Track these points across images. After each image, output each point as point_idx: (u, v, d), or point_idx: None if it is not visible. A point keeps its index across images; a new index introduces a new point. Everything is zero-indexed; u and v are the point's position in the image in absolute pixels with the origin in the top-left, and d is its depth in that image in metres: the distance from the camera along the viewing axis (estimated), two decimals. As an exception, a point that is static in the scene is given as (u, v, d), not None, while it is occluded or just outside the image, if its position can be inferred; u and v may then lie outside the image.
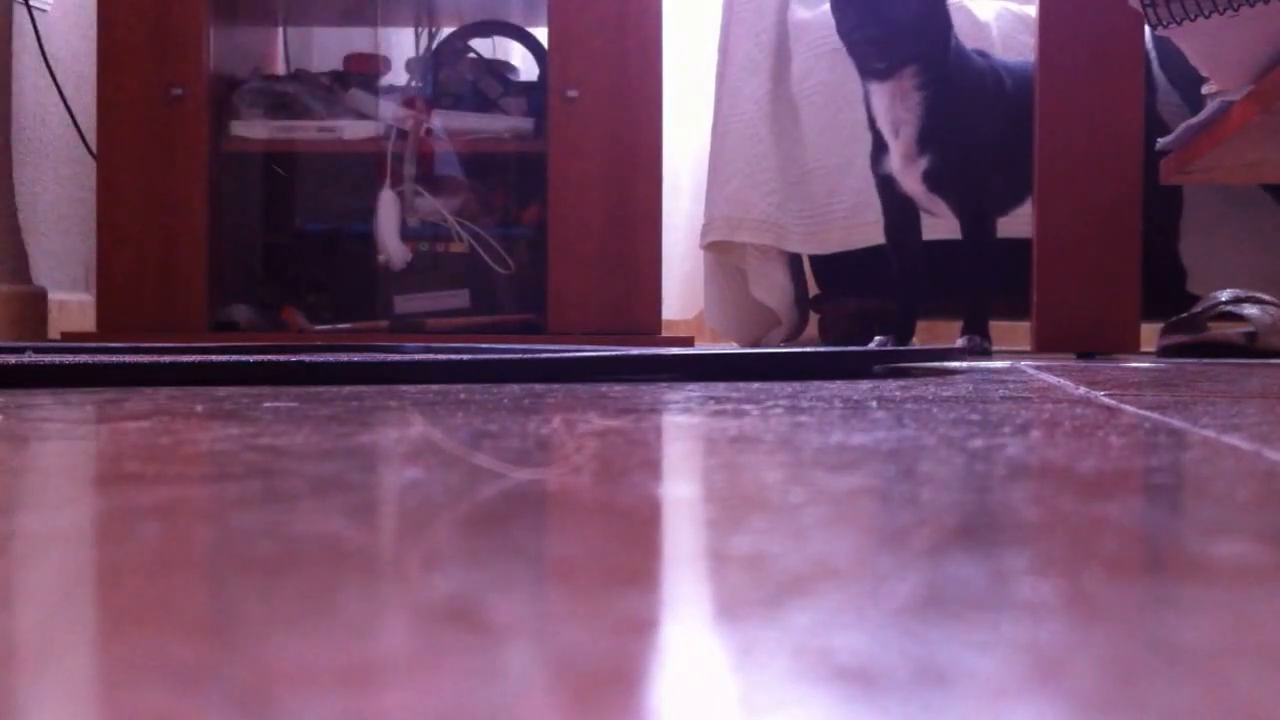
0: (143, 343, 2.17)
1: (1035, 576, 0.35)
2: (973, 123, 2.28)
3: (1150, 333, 2.46)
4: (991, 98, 2.31)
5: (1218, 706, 0.23)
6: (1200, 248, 2.61)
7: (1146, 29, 2.11)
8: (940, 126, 2.25)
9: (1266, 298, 2.30)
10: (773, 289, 2.75)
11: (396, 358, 1.35)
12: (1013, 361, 1.94)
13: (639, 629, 0.29)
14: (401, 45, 2.96)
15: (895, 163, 2.29)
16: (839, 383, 1.23)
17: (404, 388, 1.12)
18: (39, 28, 2.70)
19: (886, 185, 2.33)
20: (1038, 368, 1.68)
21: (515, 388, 1.13)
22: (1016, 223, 2.44)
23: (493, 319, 2.72)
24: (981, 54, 2.36)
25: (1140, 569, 0.38)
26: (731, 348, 2.62)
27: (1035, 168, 2.28)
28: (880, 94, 2.26)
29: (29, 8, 2.68)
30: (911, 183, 2.29)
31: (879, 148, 2.31)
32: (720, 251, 2.80)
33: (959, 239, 2.33)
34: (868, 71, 2.25)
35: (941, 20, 2.23)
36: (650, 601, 0.32)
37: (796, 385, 1.18)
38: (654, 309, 2.67)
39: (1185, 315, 2.33)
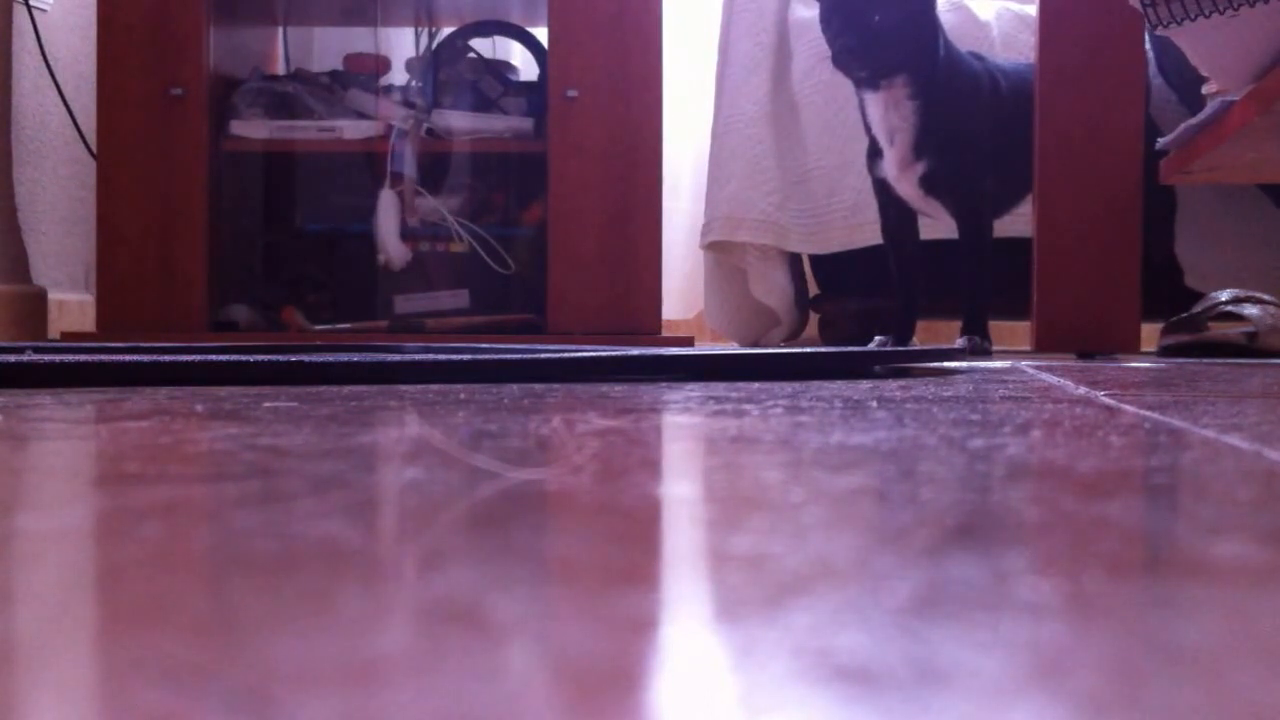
0: (143, 343, 2.17)
1: (1035, 576, 0.35)
2: (968, 127, 2.29)
3: (1150, 332, 2.46)
4: (987, 101, 2.31)
5: (1218, 706, 0.23)
6: (1196, 245, 2.61)
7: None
8: (935, 133, 2.25)
9: (1266, 298, 2.30)
10: (773, 289, 2.76)
11: (396, 358, 1.35)
12: (1013, 361, 1.94)
13: (639, 629, 0.29)
14: (401, 45, 2.96)
15: (891, 169, 2.29)
16: (839, 383, 1.23)
17: (404, 388, 1.12)
18: (39, 28, 2.70)
19: (883, 187, 2.33)
20: (1038, 368, 1.68)
21: (515, 388, 1.13)
22: (1015, 223, 2.44)
23: (493, 319, 2.72)
24: (977, 56, 2.37)
25: (1140, 569, 0.38)
26: (731, 348, 2.62)
27: (1035, 168, 2.28)
28: (874, 102, 2.27)
29: (29, 8, 2.68)
30: (908, 188, 2.30)
31: (874, 152, 2.31)
32: (720, 251, 2.80)
33: (957, 239, 2.33)
34: (854, 81, 2.26)
35: (928, 28, 2.23)
36: (650, 601, 0.32)
37: (796, 385, 1.18)
38: (654, 309, 2.67)
39: (1185, 315, 2.33)
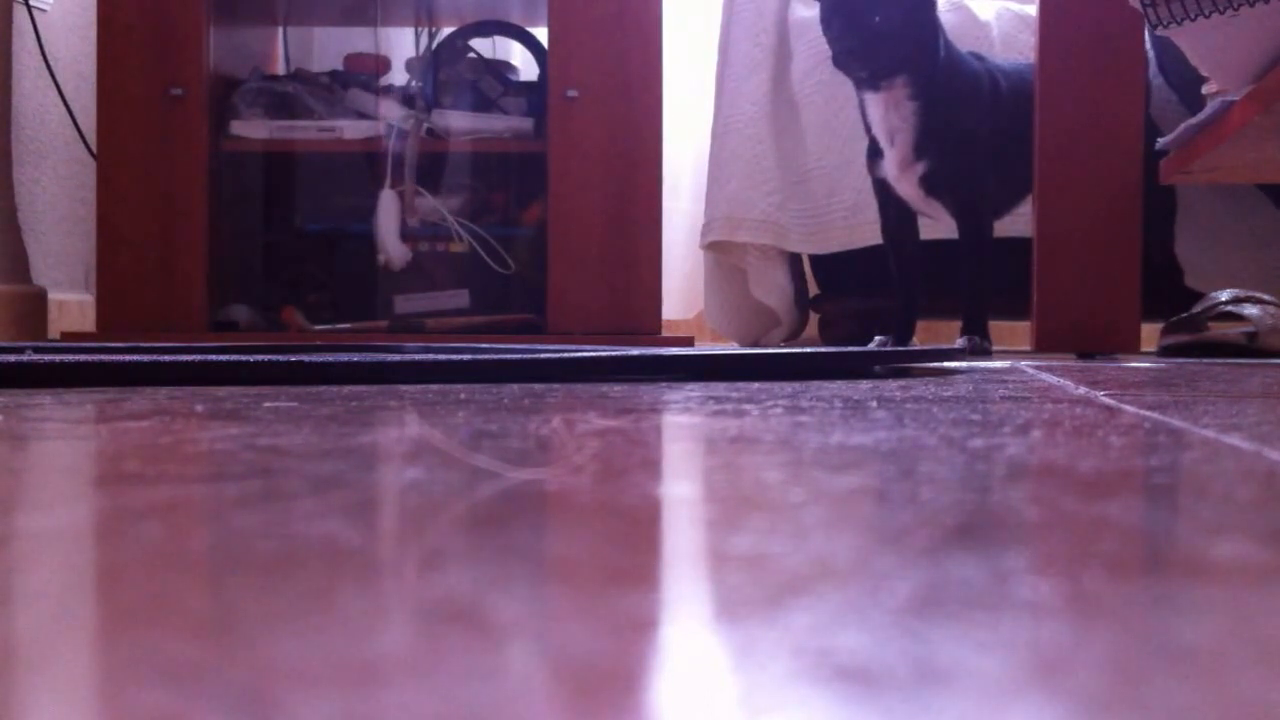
0: (143, 343, 2.17)
1: (1035, 576, 0.35)
2: (968, 128, 2.29)
3: (1150, 332, 2.46)
4: (987, 102, 2.31)
5: (1218, 706, 0.23)
6: (1196, 245, 2.61)
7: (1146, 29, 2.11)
8: (935, 133, 2.25)
9: (1266, 298, 2.30)
10: (773, 289, 2.76)
11: (396, 358, 1.35)
12: (1013, 361, 1.94)
13: (639, 629, 0.29)
14: (401, 45, 2.96)
15: (891, 169, 2.29)
16: (839, 383, 1.23)
17: (404, 388, 1.12)
18: (39, 28, 2.70)
19: (883, 187, 2.33)
20: (1038, 368, 1.68)
21: (515, 388, 1.13)
22: (1015, 223, 2.44)
23: (493, 319, 2.72)
24: (977, 56, 2.37)
25: (1140, 569, 0.38)
26: (731, 348, 2.62)
27: (1035, 168, 2.28)
28: (874, 103, 2.27)
29: (29, 8, 2.68)
30: (908, 188, 2.30)
31: (874, 152, 2.31)
32: (720, 251, 2.80)
33: (957, 239, 2.33)
34: (855, 81, 2.26)
35: (929, 28, 2.23)
36: (650, 601, 0.32)
37: (796, 385, 1.18)
38: (654, 309, 2.67)
39: (1185, 315, 2.33)
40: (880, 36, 2.18)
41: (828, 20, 2.23)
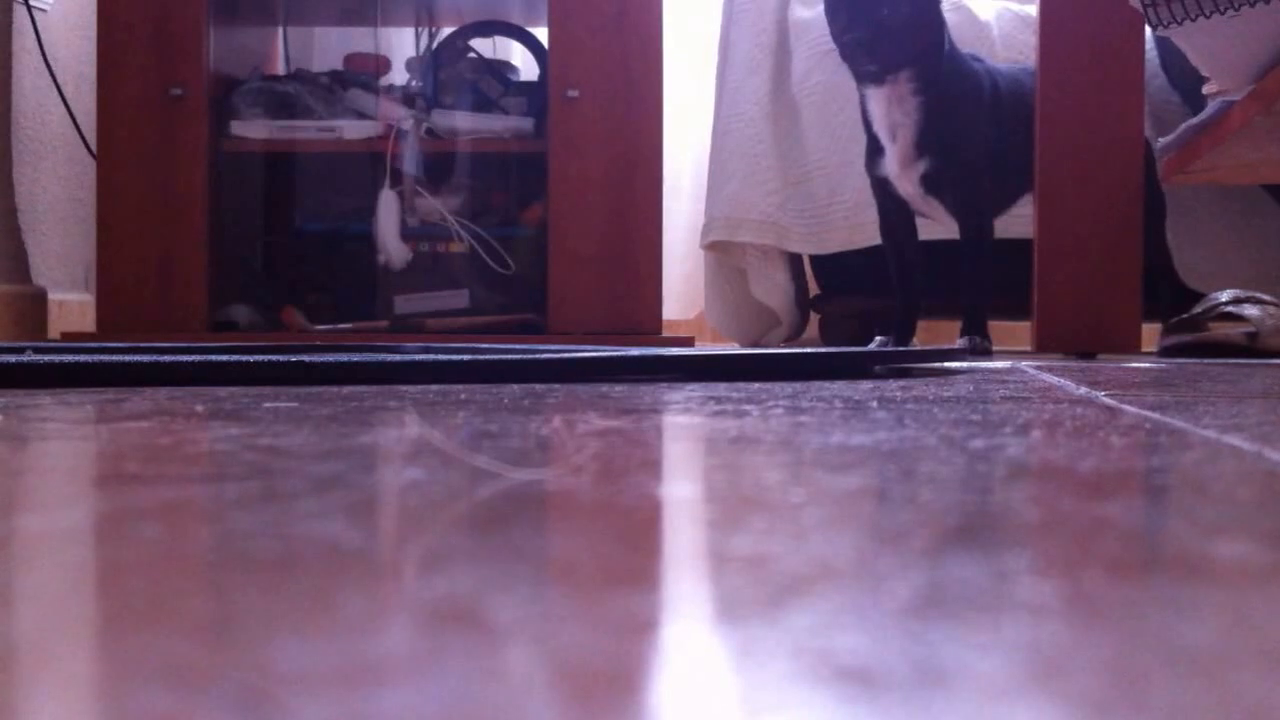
0: (143, 343, 2.17)
1: (1035, 576, 0.35)
2: (970, 126, 2.28)
3: (1150, 333, 2.46)
4: (989, 101, 2.31)
5: (1218, 706, 0.23)
6: (1188, 245, 2.61)
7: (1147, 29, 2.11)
8: (937, 130, 2.25)
9: (1266, 298, 2.30)
10: (773, 289, 2.76)
11: (396, 358, 1.35)
12: (1013, 362, 1.94)
13: (639, 629, 0.29)
14: (401, 45, 2.96)
15: (892, 166, 2.29)
16: (839, 383, 1.23)
17: (404, 388, 1.12)
18: (39, 28, 2.70)
19: (882, 187, 2.33)
20: (1038, 368, 1.68)
21: (515, 388, 1.13)
22: (1015, 223, 2.44)
23: (493, 319, 2.72)
24: (975, 58, 2.37)
25: (1140, 569, 0.38)
26: (731, 348, 2.62)
27: (1035, 168, 2.28)
28: (877, 98, 2.26)
29: (29, 8, 2.68)
30: (908, 186, 2.29)
31: (874, 150, 2.31)
32: (721, 251, 2.80)
33: (957, 239, 2.33)
34: (860, 75, 2.26)
35: (935, 24, 2.23)
36: (650, 601, 0.32)
37: (796, 385, 1.18)
38: (654, 309, 2.67)
39: (1186, 315, 2.33)
40: (887, 29, 2.18)
41: (834, 12, 2.22)
